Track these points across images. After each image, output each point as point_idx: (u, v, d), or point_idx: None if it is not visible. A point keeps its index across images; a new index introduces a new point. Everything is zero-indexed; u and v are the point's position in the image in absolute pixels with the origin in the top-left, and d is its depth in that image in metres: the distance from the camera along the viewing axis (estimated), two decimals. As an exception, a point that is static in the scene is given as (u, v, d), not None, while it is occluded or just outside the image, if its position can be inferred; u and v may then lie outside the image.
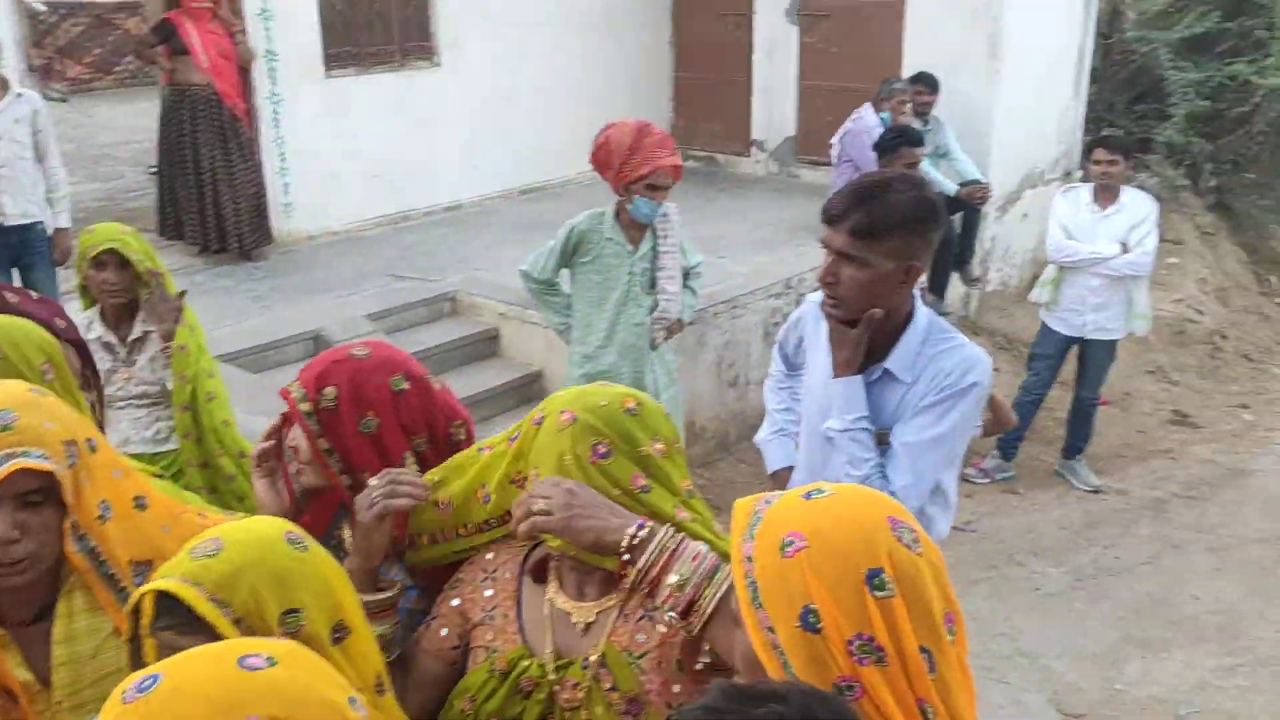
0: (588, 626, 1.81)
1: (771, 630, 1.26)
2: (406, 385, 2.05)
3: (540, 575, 1.89)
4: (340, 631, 1.53)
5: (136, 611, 1.49)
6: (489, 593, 1.92)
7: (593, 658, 1.77)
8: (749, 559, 1.30)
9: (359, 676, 1.52)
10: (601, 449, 1.76)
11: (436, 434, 2.07)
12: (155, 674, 1.11)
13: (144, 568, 1.87)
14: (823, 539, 1.25)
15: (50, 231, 5.83)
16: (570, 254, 4.88)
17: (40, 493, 1.74)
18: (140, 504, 1.92)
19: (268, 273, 7.67)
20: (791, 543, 1.26)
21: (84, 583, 1.84)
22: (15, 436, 1.71)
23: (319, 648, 1.48)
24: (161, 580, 1.45)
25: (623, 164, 4.65)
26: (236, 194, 7.63)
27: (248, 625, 1.44)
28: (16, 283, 5.62)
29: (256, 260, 7.86)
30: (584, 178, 9.92)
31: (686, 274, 5.09)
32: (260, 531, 1.54)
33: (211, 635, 1.41)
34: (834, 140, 7.91)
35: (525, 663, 1.81)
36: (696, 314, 5.40)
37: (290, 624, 1.47)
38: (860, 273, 2.49)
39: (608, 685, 1.75)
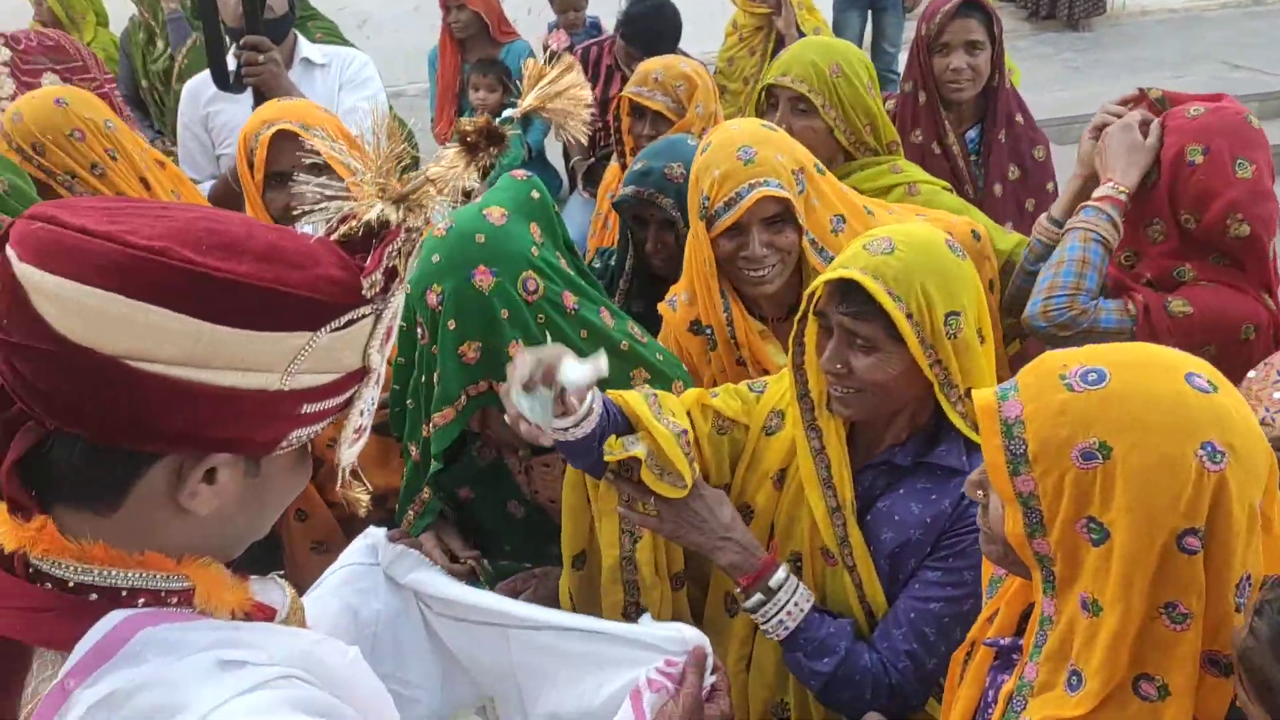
0: None
1: None
2: None
3: None
4: (981, 338, 1.63)
5: (811, 294, 1.68)
6: None
7: None
8: None
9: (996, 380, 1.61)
10: None
11: None
12: (1101, 368, 1.12)
13: None
14: None
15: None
16: None
17: (780, 216, 2.06)
18: (869, 212, 2.20)
19: (1091, 44, 7.46)
20: None
21: None
22: (757, 169, 2.04)
23: (970, 349, 1.61)
24: (843, 270, 1.61)
25: None
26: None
27: (917, 320, 1.57)
28: (868, 25, 6.15)
29: (1082, 30, 7.66)
30: None
31: None
32: (927, 236, 1.66)
33: (884, 321, 1.57)
34: None
35: None
36: None
37: (952, 326, 1.58)
38: None
39: None
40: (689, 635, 1.45)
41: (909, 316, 1.56)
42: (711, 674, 1.43)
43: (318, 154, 0.96)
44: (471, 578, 1.90)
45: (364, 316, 0.90)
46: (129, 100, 4.26)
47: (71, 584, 0.87)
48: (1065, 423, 1.10)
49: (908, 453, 1.69)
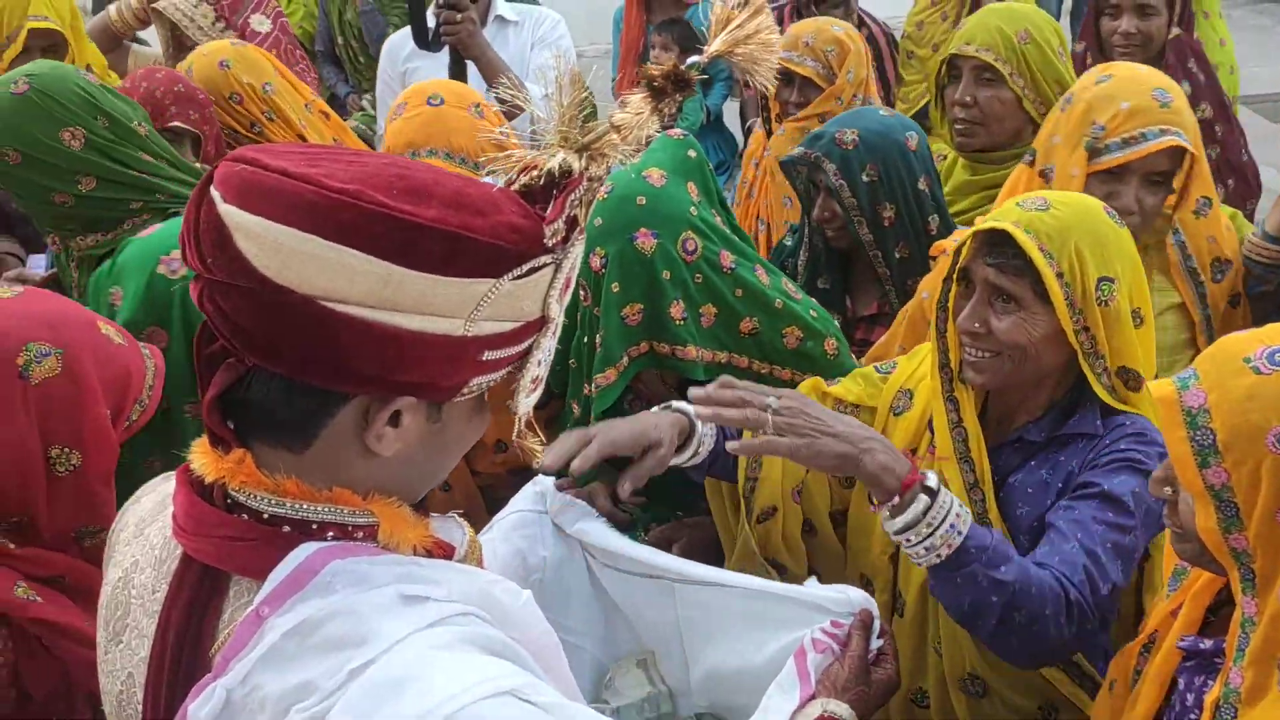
0: None
1: None
2: None
3: None
4: (1139, 319, 1.53)
5: (958, 251, 1.61)
6: None
7: None
8: None
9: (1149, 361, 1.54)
10: None
11: None
12: None
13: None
14: None
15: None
16: None
17: (1167, 176, 1.93)
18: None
19: (1316, 13, 6.91)
20: None
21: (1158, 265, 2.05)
22: (1173, 116, 1.90)
23: (1121, 322, 1.51)
24: (995, 221, 1.54)
25: None
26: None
27: (1067, 281, 1.50)
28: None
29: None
30: None
31: None
32: (1084, 200, 1.60)
33: (1032, 279, 1.50)
34: None
35: None
36: None
37: (1104, 292, 1.51)
38: None
39: None
40: (855, 597, 1.42)
41: (1059, 276, 1.49)
42: (878, 638, 1.40)
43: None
44: (629, 526, 1.94)
45: (544, 265, 0.92)
46: (325, 56, 4.43)
47: (266, 515, 0.91)
48: (1256, 408, 1.04)
49: (1042, 428, 1.62)
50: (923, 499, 1.42)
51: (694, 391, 1.56)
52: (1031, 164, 2.14)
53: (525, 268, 0.90)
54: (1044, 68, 2.47)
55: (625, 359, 1.86)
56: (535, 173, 0.93)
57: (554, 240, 0.92)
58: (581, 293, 1.89)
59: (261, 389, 0.90)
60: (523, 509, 1.72)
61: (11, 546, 1.50)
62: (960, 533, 1.42)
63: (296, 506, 0.92)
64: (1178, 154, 1.93)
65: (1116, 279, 1.52)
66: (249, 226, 0.84)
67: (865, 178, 2.28)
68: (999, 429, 1.67)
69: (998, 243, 1.54)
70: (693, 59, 1.00)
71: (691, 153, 1.92)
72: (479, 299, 0.88)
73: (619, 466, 2.07)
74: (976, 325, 1.57)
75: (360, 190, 0.84)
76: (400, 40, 3.39)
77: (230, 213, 0.85)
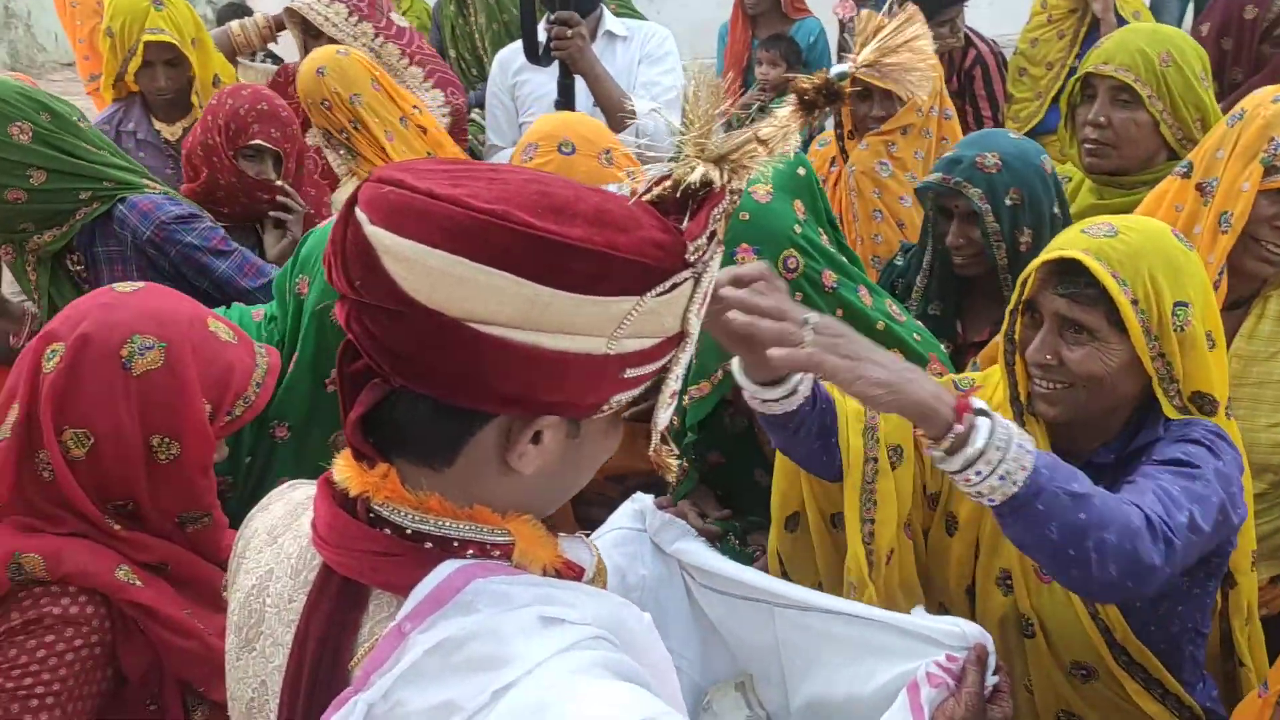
0: None
1: None
2: None
3: None
4: (1211, 342, 1.49)
5: (1023, 282, 1.57)
6: None
7: None
8: None
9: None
10: None
11: None
12: None
13: None
14: None
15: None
16: None
17: None
18: None
19: None
20: None
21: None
22: None
23: (1197, 347, 1.47)
24: (1062, 250, 1.50)
25: None
26: None
27: (1143, 308, 1.46)
28: (1189, 11, 5.68)
29: None
30: None
31: None
32: (1152, 223, 1.57)
33: (1105, 308, 1.46)
34: None
35: None
36: None
37: (1180, 317, 1.47)
38: None
39: None
40: (969, 631, 1.38)
41: (1134, 303, 1.45)
42: (993, 674, 1.35)
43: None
44: (722, 539, 1.92)
45: (685, 280, 0.90)
46: (435, 72, 4.48)
47: (409, 531, 0.90)
48: None
49: (1111, 450, 1.58)
50: (983, 420, 1.27)
51: (727, 292, 1.31)
52: (1186, 176, 2.08)
53: (668, 284, 0.88)
54: (1185, 92, 2.39)
55: (720, 372, 1.84)
56: (669, 184, 0.91)
57: (696, 255, 0.90)
58: None
59: (407, 409, 0.90)
60: (622, 526, 1.71)
61: (118, 528, 1.56)
62: (1029, 451, 1.28)
63: (439, 523, 0.91)
64: None
65: (1190, 303, 1.49)
66: (398, 249, 0.83)
67: (1009, 201, 2.22)
68: (1067, 459, 1.63)
69: (1068, 272, 1.51)
70: (839, 69, 0.97)
71: (801, 170, 1.90)
72: (622, 317, 0.87)
73: (712, 484, 2.05)
74: (1048, 357, 1.53)
75: (507, 211, 0.83)
76: (511, 53, 3.43)
77: (378, 235, 0.84)
